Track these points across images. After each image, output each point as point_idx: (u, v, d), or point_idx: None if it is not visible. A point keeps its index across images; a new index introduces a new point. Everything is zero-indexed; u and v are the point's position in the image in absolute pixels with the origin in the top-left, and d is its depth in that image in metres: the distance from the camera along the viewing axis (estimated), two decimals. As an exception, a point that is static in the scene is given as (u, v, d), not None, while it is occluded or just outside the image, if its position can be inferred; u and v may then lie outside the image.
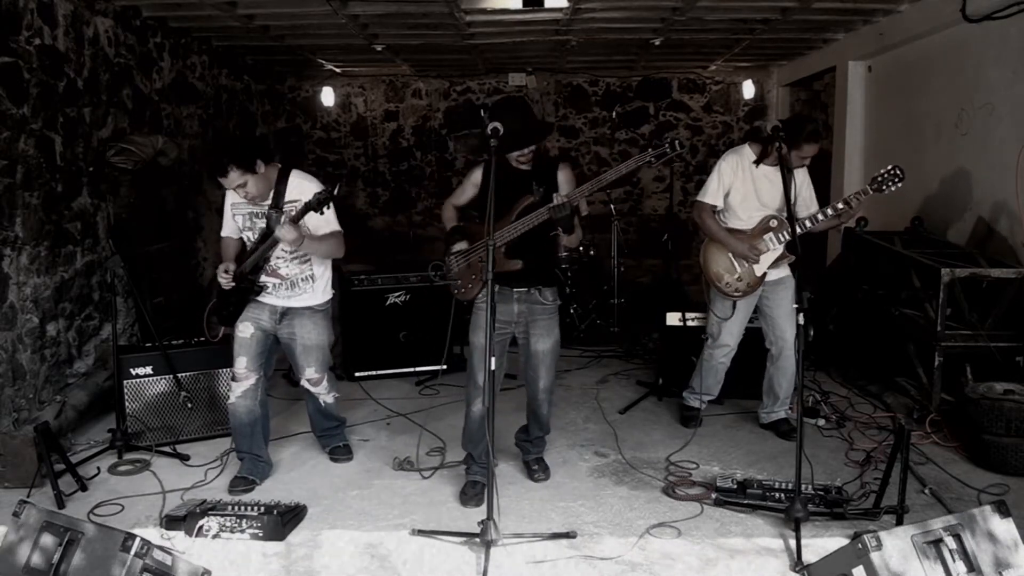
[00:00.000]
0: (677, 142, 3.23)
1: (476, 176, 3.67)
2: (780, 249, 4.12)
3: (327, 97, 9.05)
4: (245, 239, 3.79)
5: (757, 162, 4.11)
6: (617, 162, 9.06)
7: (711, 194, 4.19)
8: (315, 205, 3.37)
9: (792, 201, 3.71)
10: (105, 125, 5.23)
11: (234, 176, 3.53)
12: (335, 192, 3.39)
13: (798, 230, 3.98)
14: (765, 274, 4.18)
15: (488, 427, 3.09)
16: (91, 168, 5.04)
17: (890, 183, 3.90)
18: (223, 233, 3.90)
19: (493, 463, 3.10)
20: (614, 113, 9.26)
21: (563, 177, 3.55)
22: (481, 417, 3.54)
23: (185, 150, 6.56)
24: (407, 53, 7.52)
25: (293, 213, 3.50)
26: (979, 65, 5.02)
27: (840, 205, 4.00)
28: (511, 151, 3.46)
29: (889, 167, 3.91)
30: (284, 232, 3.45)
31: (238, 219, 3.78)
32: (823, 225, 4.14)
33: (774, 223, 4.13)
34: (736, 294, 4.20)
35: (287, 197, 3.65)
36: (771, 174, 4.04)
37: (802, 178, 4.16)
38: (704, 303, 4.52)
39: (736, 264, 4.18)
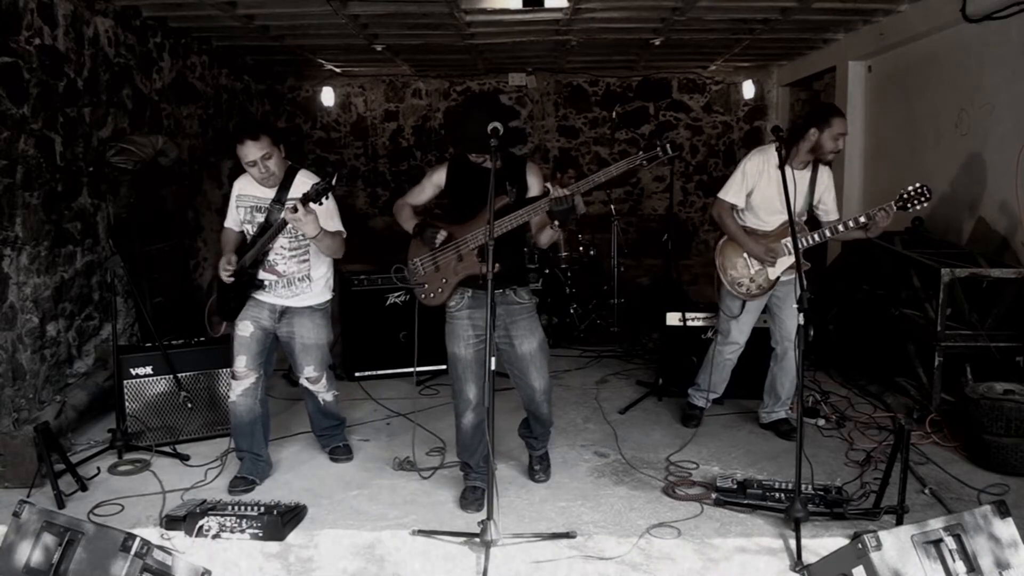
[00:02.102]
0: (669, 145, 3.17)
1: (439, 177, 3.53)
2: None
3: (327, 97, 9.05)
4: (245, 232, 3.79)
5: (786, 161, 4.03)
6: (617, 162, 9.05)
7: (733, 193, 4.10)
8: (313, 196, 3.35)
9: (792, 203, 3.59)
10: (105, 125, 5.23)
11: (264, 143, 3.53)
12: (333, 182, 3.35)
13: (816, 239, 3.94)
14: (778, 278, 4.11)
15: (488, 425, 3.08)
16: (91, 168, 5.04)
17: (916, 202, 3.75)
18: (226, 224, 3.90)
19: (493, 464, 3.09)
20: (614, 113, 9.27)
21: (532, 175, 3.47)
22: (473, 427, 3.52)
23: (185, 150, 6.56)
24: (407, 53, 7.52)
25: (300, 198, 3.39)
26: (979, 65, 5.02)
27: (862, 219, 3.86)
28: (468, 153, 3.36)
29: (917, 185, 3.75)
30: (301, 215, 3.33)
31: (240, 211, 3.78)
32: (843, 236, 4.02)
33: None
34: (746, 295, 4.14)
35: (291, 194, 3.65)
36: (797, 176, 3.92)
37: (827, 182, 4.08)
38: (703, 303, 4.51)
39: (751, 265, 4.13)
